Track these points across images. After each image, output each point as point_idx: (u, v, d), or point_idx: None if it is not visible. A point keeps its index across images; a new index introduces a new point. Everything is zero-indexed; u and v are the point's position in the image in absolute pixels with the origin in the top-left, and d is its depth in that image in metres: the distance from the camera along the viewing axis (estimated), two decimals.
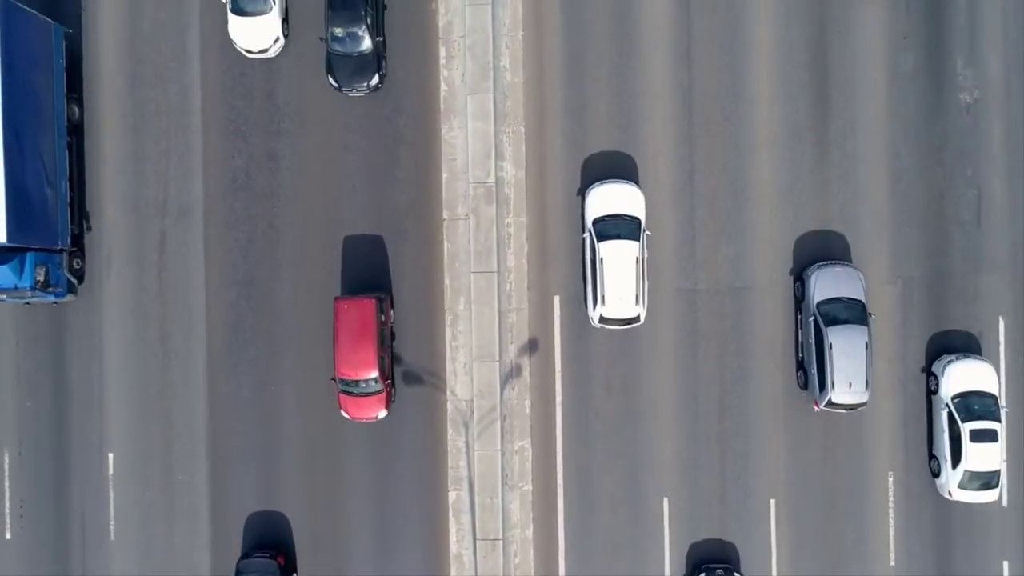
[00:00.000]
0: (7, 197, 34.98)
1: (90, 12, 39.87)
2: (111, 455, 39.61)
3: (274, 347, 39.25)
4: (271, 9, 38.03)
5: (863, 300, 36.86)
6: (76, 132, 39.72)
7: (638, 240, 36.77)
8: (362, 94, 38.48)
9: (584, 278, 38.26)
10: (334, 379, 37.00)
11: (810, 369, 37.28)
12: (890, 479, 38.49)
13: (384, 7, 38.77)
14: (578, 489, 38.73)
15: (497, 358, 38.64)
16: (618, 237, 36.74)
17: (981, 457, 36.46)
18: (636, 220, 37.00)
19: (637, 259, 36.67)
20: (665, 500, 38.62)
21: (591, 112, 39.00)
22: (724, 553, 38.40)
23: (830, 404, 36.77)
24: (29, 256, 36.77)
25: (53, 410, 39.72)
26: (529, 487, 38.81)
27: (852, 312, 36.57)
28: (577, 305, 38.84)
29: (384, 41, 38.55)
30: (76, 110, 39.63)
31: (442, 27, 39.14)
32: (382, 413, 37.40)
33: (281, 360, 39.22)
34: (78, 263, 39.36)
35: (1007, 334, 38.45)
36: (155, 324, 39.64)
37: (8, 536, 39.57)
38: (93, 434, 39.61)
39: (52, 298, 37.93)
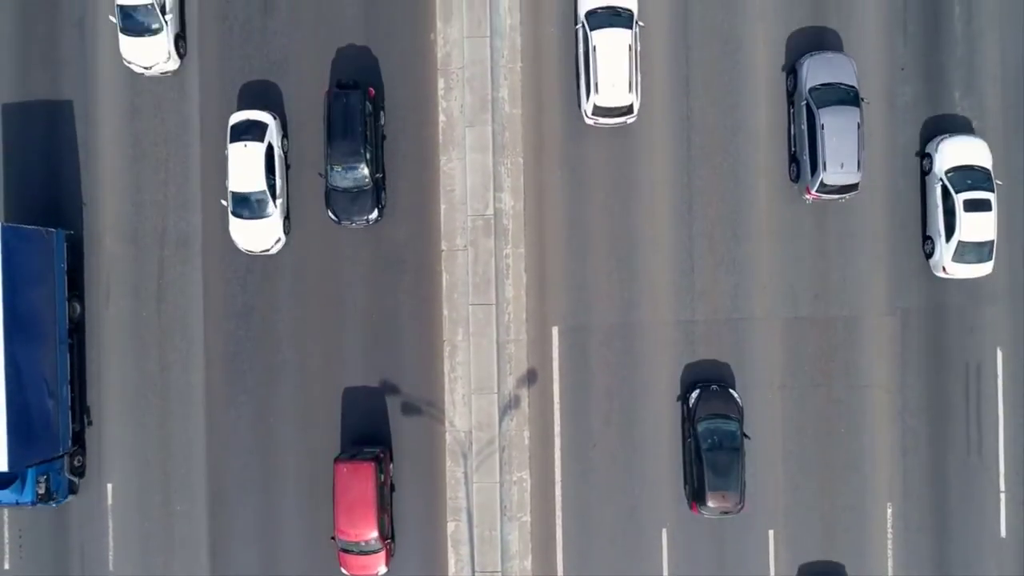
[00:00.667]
0: (8, 423, 34.87)
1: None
2: (110, 485, 39.62)
3: (273, 378, 39.27)
4: (272, 213, 38.09)
5: (855, 85, 36.64)
6: (77, 328, 39.45)
7: (631, 28, 36.82)
8: (361, 226, 38.63)
9: (577, 73, 38.38)
10: (333, 538, 37.07)
11: (802, 156, 37.08)
12: (888, 511, 38.53)
13: (384, 137, 38.74)
14: (577, 520, 38.77)
15: (496, 390, 38.68)
16: (611, 26, 36.83)
17: (975, 227, 36.33)
18: (629, 12, 37.14)
19: (630, 46, 36.71)
20: (664, 531, 38.65)
21: (590, 143, 39.02)
22: None
23: (822, 187, 36.50)
24: (30, 472, 36.71)
25: None
26: (528, 518, 38.84)
27: (844, 95, 36.37)
28: (576, 335, 38.91)
29: (384, 177, 38.63)
30: (77, 307, 39.39)
31: (440, 58, 39.17)
32: (382, 569, 37.47)
33: (280, 390, 39.23)
34: (79, 460, 39.22)
35: (1005, 365, 38.49)
36: (153, 354, 39.65)
37: (7, 566, 39.57)
38: (92, 464, 39.62)
39: (53, 505, 38.06)
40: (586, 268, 38.91)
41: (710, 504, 36.57)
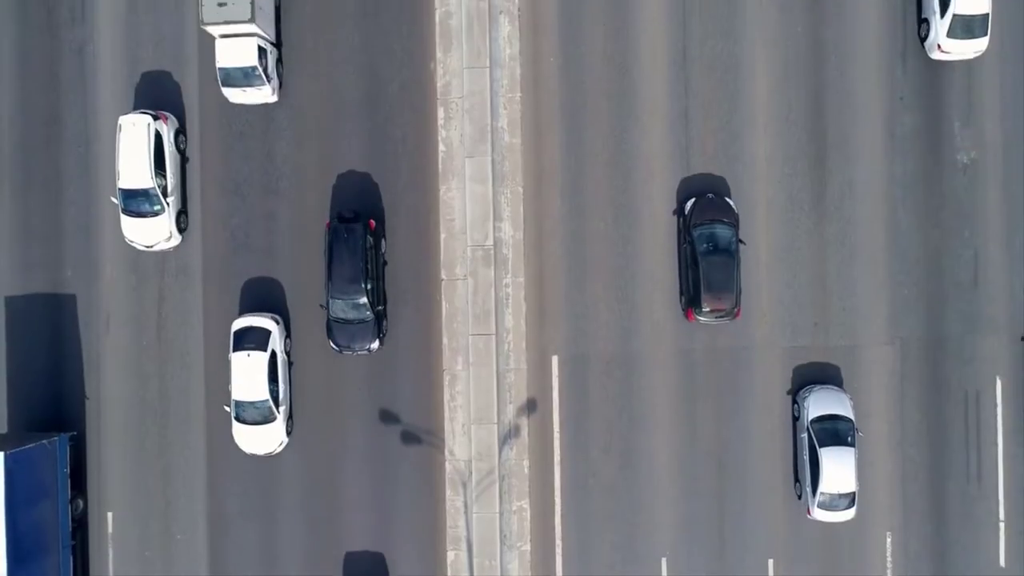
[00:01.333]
0: None
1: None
2: (110, 514, 39.67)
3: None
4: (276, 419, 38.13)
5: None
6: (80, 525, 39.50)
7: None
8: (363, 355, 38.73)
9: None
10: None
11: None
12: (888, 539, 38.56)
13: (385, 263, 38.69)
14: (577, 549, 38.81)
15: (495, 421, 38.72)
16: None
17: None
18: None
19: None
20: (663, 560, 38.68)
21: (589, 172, 39.08)
22: None
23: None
24: None
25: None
26: (527, 547, 38.87)
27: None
28: (576, 364, 38.92)
29: (385, 309, 38.60)
30: (80, 504, 39.41)
31: (440, 88, 39.22)
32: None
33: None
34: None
35: (1004, 395, 38.52)
36: (154, 383, 39.70)
37: None
38: (93, 493, 39.67)
39: None
40: (586, 297, 38.95)
41: (705, 307, 36.82)
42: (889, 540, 38.54)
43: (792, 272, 38.79)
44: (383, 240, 38.47)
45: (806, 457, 37.24)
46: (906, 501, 38.52)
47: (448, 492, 38.86)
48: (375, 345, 37.75)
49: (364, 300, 37.01)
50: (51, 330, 39.79)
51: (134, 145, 37.49)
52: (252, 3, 36.41)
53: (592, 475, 38.84)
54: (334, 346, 38.01)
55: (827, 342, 38.68)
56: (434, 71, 39.31)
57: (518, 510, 38.85)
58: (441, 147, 39.21)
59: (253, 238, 39.39)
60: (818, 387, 37.83)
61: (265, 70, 37.61)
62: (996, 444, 38.47)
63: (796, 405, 38.26)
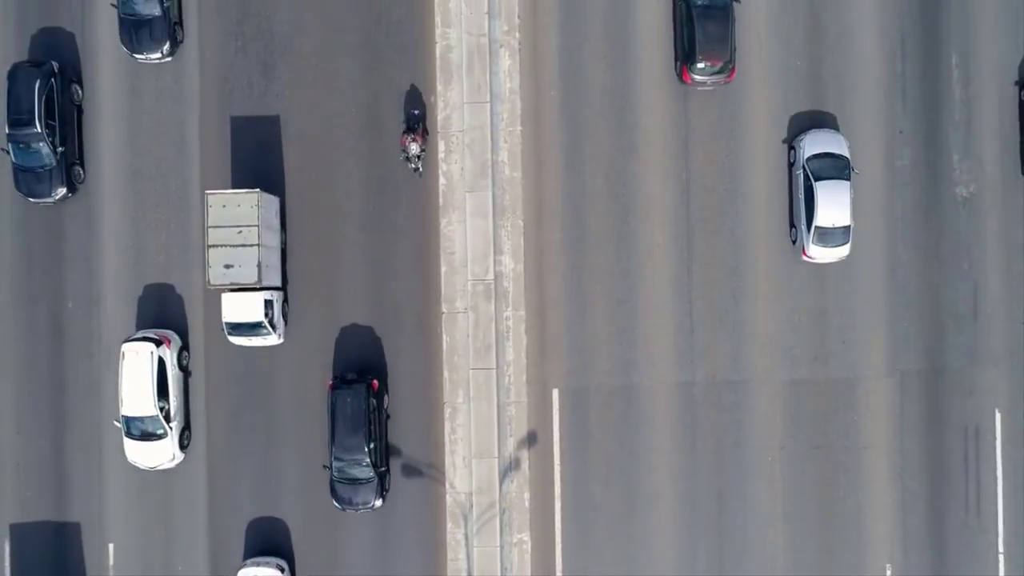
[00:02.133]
0: None
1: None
2: (111, 545, 39.69)
3: (273, 437, 39.36)
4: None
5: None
6: None
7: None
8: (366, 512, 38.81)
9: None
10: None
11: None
12: (888, 571, 38.67)
13: (388, 416, 38.76)
14: None
15: (496, 455, 38.80)
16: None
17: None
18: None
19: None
20: None
21: (589, 205, 39.18)
22: None
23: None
24: None
25: (53, 500, 39.81)
26: None
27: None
28: (577, 397, 39.01)
29: (388, 470, 38.66)
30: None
31: (440, 121, 39.31)
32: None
33: (281, 450, 39.33)
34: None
35: (1003, 427, 38.63)
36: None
37: None
38: (93, 524, 39.71)
39: None
40: (586, 330, 39.04)
41: (699, 64, 37.29)
42: (889, 572, 38.64)
43: (791, 304, 38.88)
44: (385, 396, 38.60)
45: (801, 196, 37.54)
46: (906, 533, 38.62)
47: (449, 525, 38.93)
48: (378, 503, 37.91)
49: (367, 461, 37.09)
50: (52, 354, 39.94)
51: (137, 373, 37.37)
52: (259, 266, 36.27)
53: (593, 508, 38.92)
54: (336, 504, 37.99)
55: (827, 374, 38.79)
56: (434, 104, 39.40)
57: (519, 543, 38.92)
58: (442, 180, 39.30)
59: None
60: (815, 129, 38.05)
61: (271, 321, 37.74)
62: (996, 477, 38.59)
63: (792, 151, 38.52)
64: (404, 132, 38.07)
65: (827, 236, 37.28)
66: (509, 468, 38.99)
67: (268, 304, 37.53)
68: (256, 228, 36.28)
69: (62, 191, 38.76)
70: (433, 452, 39.14)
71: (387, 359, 39.15)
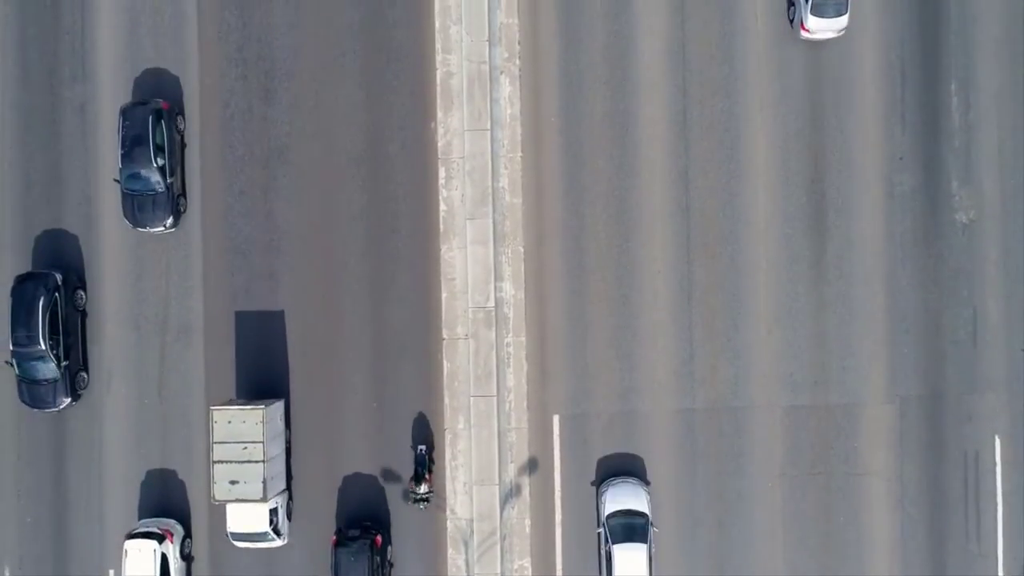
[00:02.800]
0: None
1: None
2: (112, 571, 39.65)
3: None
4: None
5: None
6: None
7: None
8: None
9: None
10: None
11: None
12: None
13: (391, 566, 38.67)
14: None
15: (497, 481, 38.83)
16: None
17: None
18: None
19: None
20: None
21: (590, 231, 39.23)
22: None
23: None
24: None
25: (54, 525, 39.80)
26: None
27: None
28: (577, 423, 39.05)
29: None
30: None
31: (441, 147, 39.36)
32: None
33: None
34: None
35: (1003, 453, 38.71)
36: (156, 440, 39.74)
37: None
38: (94, 550, 39.69)
39: None
40: (587, 356, 39.08)
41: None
42: None
43: (791, 331, 38.94)
44: (389, 547, 38.48)
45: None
46: (906, 559, 38.66)
47: (450, 551, 38.95)
48: None
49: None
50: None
51: (139, 572, 37.43)
52: (264, 482, 36.27)
53: (594, 534, 38.93)
54: None
55: (827, 401, 38.84)
56: (435, 131, 39.45)
57: (520, 569, 38.94)
58: (442, 206, 39.34)
59: None
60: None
61: (276, 528, 37.78)
62: (995, 502, 38.65)
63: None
64: (412, 478, 38.09)
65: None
66: (510, 494, 39.02)
67: (273, 512, 37.55)
68: (261, 444, 36.19)
69: (66, 401, 38.65)
70: (435, 477, 39.12)
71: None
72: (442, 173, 39.38)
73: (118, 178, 38.44)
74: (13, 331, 37.63)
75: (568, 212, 39.29)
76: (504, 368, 39.12)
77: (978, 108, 39.00)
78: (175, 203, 38.77)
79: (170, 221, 38.73)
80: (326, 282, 39.45)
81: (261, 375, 39.43)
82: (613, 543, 36.58)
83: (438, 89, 39.43)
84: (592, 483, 38.70)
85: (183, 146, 39.51)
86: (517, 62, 39.41)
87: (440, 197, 39.39)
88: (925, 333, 38.89)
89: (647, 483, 38.18)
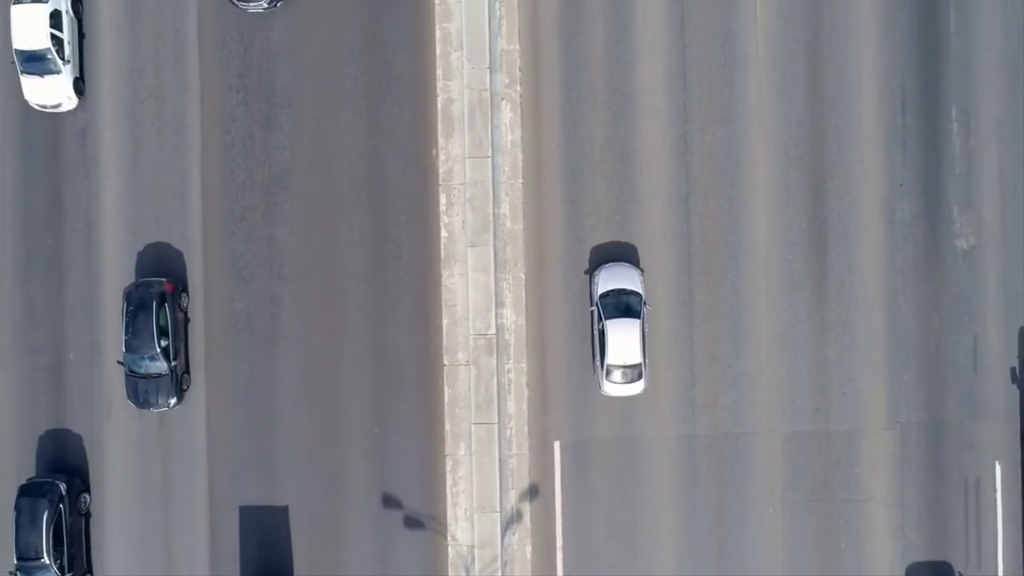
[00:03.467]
0: None
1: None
2: None
3: (275, 493, 39.38)
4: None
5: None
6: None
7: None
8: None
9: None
10: None
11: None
12: None
13: None
14: None
15: (498, 509, 38.86)
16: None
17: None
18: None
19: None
20: None
21: (591, 257, 39.23)
22: None
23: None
24: None
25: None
26: None
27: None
28: (578, 449, 39.08)
29: None
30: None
31: (442, 174, 39.38)
32: None
33: (283, 506, 39.37)
34: None
35: (1004, 480, 38.75)
36: (157, 467, 39.73)
37: None
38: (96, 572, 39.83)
39: None
40: (588, 383, 39.10)
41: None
42: None
43: (792, 357, 38.98)
44: None
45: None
46: None
47: None
48: None
49: None
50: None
51: None
52: None
53: (594, 560, 38.98)
54: None
55: (828, 427, 38.88)
56: (436, 157, 39.47)
57: None
58: (443, 232, 39.37)
59: None
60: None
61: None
62: (996, 528, 38.69)
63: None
64: None
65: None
66: (511, 521, 39.05)
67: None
68: None
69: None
70: (435, 504, 39.18)
71: (391, 410, 39.09)
72: (443, 200, 39.40)
73: (122, 361, 38.83)
74: (16, 548, 37.80)
75: (569, 238, 39.32)
76: (505, 394, 39.14)
77: (979, 135, 39.03)
78: (179, 384, 39.11)
79: (173, 402, 38.95)
80: (327, 307, 39.46)
81: (260, 412, 39.55)
82: (606, 319, 37.04)
83: (439, 115, 39.45)
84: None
85: (187, 322, 39.74)
86: (518, 88, 39.44)
87: (441, 223, 39.42)
88: (926, 359, 38.92)
89: (641, 269, 38.55)
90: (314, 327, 39.50)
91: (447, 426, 39.16)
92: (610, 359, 37.29)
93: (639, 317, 37.37)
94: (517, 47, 39.44)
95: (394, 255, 39.48)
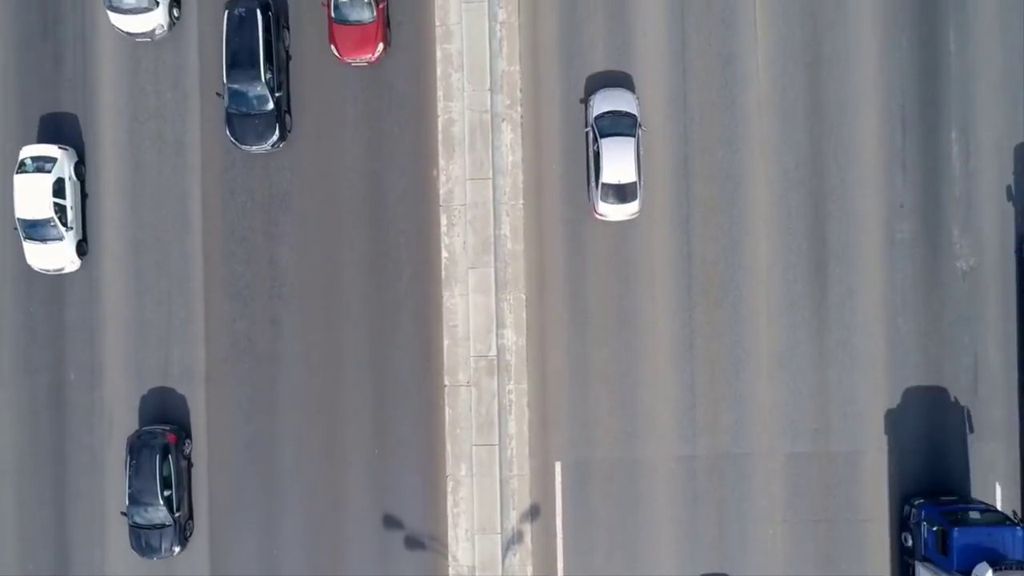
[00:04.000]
0: None
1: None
2: None
3: (276, 511, 39.41)
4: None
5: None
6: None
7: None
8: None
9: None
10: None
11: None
12: None
13: None
14: None
15: (499, 530, 38.88)
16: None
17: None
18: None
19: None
20: None
21: (591, 278, 39.29)
22: None
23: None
24: None
25: (55, 574, 39.85)
26: None
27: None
28: (579, 470, 39.10)
29: None
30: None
31: (443, 195, 39.40)
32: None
33: (284, 523, 39.38)
34: None
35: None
36: None
37: None
38: None
39: None
40: (588, 403, 39.14)
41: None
42: None
43: (793, 378, 39.03)
44: None
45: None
46: None
47: None
48: None
49: None
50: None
51: None
52: None
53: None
54: None
55: (828, 448, 38.92)
56: (437, 178, 39.49)
57: None
58: (444, 254, 39.39)
59: None
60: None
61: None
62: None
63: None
64: None
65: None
66: (512, 541, 39.06)
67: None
68: None
69: None
70: (436, 525, 39.20)
71: (392, 431, 39.22)
72: (444, 220, 39.43)
73: (125, 512, 38.65)
74: None
75: (570, 259, 39.36)
76: (506, 415, 39.16)
77: (978, 156, 39.11)
78: (183, 531, 38.99)
79: (177, 550, 38.80)
80: (328, 328, 39.47)
81: (261, 431, 39.55)
82: (601, 138, 37.36)
83: (440, 136, 39.48)
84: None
85: (190, 467, 39.68)
86: (519, 109, 39.48)
87: (442, 244, 39.44)
88: (926, 380, 38.96)
89: (636, 96, 38.75)
90: (314, 347, 39.50)
91: (448, 447, 39.17)
92: (605, 177, 37.53)
93: (634, 136, 37.56)
94: (518, 68, 39.49)
95: (395, 276, 39.51)
